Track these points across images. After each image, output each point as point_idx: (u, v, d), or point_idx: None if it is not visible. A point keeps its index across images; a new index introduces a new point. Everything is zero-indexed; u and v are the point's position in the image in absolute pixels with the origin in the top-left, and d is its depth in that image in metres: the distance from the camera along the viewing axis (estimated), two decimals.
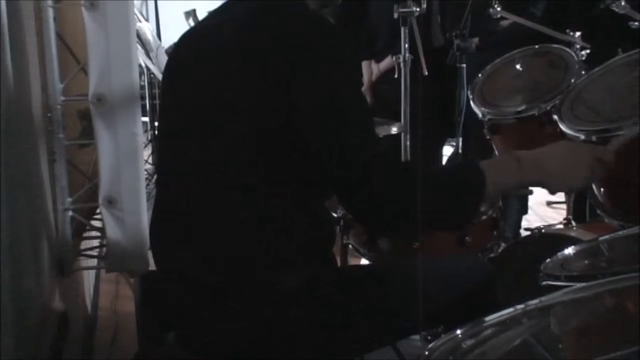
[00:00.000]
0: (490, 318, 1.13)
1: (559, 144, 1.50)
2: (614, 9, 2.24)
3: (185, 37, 1.52)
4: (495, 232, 1.93)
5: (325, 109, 1.29)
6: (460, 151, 2.66)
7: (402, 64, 2.43)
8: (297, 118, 1.28)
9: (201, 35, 1.48)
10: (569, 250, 1.54)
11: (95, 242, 2.74)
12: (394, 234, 1.79)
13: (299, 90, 1.28)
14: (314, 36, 1.32)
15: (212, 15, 1.50)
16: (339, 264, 1.62)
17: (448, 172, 1.46)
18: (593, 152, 1.44)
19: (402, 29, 2.39)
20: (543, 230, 2.32)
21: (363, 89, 3.47)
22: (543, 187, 1.41)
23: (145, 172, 3.08)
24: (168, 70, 1.54)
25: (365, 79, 3.50)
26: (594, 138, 1.70)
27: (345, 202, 1.36)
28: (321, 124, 1.29)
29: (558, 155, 1.41)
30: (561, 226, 2.47)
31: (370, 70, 3.48)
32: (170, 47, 4.42)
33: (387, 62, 3.33)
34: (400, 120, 2.45)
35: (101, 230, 2.40)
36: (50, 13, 2.17)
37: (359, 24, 3.44)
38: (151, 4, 6.87)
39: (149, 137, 4.66)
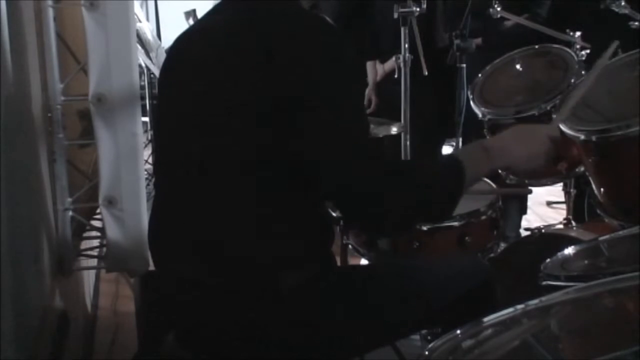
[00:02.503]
0: (490, 318, 1.13)
1: (516, 128, 1.58)
2: (613, 9, 2.24)
3: (182, 38, 1.51)
4: (495, 232, 1.93)
5: (323, 115, 1.28)
6: None
7: (402, 64, 2.43)
8: (297, 119, 1.28)
9: (199, 36, 1.48)
10: (569, 250, 1.55)
11: (95, 242, 2.74)
12: (388, 234, 1.78)
13: (297, 93, 1.27)
14: (313, 36, 1.32)
15: (208, 15, 1.50)
16: (338, 264, 1.62)
17: (431, 167, 1.46)
18: (545, 130, 1.52)
19: (402, 29, 2.39)
20: (543, 230, 2.32)
21: (368, 89, 3.47)
22: (510, 171, 1.49)
23: (145, 172, 3.08)
24: (165, 71, 1.53)
25: (370, 79, 3.49)
26: (594, 138, 1.71)
27: (338, 207, 1.38)
28: (318, 128, 1.28)
29: (519, 138, 1.48)
30: (561, 226, 2.47)
31: (375, 70, 3.48)
32: None
33: (392, 62, 3.33)
34: (400, 121, 2.45)
35: (101, 230, 2.40)
36: (50, 13, 2.17)
37: (363, 24, 3.44)
38: (151, 4, 6.87)
39: (149, 137, 4.66)
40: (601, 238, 1.62)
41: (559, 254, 1.52)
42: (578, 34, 2.30)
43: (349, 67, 1.33)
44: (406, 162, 1.41)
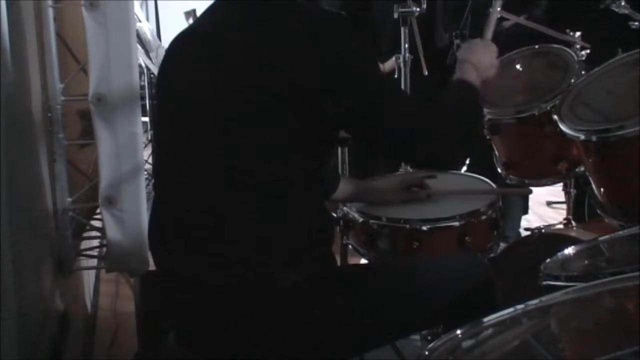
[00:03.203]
0: (490, 318, 1.13)
1: (477, 44, 1.77)
2: (614, 9, 2.24)
3: (178, 39, 1.51)
4: (495, 232, 1.93)
5: (354, 94, 1.34)
6: None
7: (402, 64, 2.43)
8: (303, 115, 1.29)
9: (196, 37, 1.48)
10: (569, 250, 1.54)
11: (95, 242, 2.74)
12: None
13: (301, 89, 1.28)
14: (313, 30, 1.32)
15: (204, 15, 1.49)
16: (338, 264, 1.62)
17: (453, 95, 1.61)
18: (489, 42, 1.81)
19: (402, 29, 2.40)
20: (543, 230, 2.32)
21: None
22: (486, 77, 1.67)
23: (145, 172, 3.08)
24: (162, 73, 1.53)
25: None
26: (594, 138, 1.71)
27: (402, 158, 1.56)
28: (355, 108, 1.35)
29: (483, 51, 1.72)
30: (561, 226, 2.47)
31: None
32: None
33: (392, 62, 3.32)
34: None
35: (101, 230, 2.40)
36: (50, 13, 2.17)
37: (363, 24, 3.44)
38: (151, 4, 6.86)
39: (149, 137, 4.66)
40: (601, 238, 1.62)
41: (559, 254, 1.52)
42: (578, 34, 2.30)
43: (353, 51, 1.35)
44: (433, 97, 1.52)
